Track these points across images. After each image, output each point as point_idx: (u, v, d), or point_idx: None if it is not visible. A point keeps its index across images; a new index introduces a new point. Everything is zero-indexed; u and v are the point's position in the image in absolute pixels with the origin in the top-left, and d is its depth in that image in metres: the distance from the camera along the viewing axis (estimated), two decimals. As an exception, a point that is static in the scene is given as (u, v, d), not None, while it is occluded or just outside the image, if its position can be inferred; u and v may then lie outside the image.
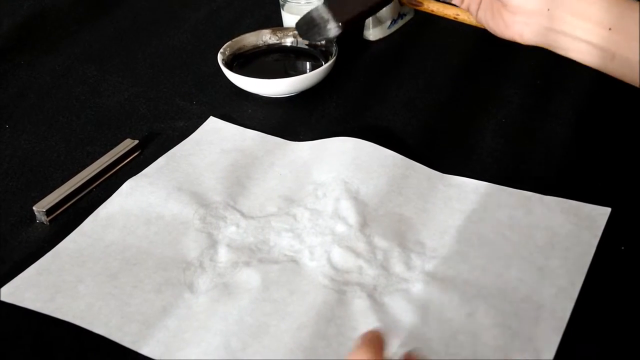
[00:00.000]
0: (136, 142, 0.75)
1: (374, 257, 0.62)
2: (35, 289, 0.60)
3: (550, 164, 0.71)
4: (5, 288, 0.60)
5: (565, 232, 0.63)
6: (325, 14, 0.72)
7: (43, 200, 0.68)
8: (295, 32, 0.76)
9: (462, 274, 0.60)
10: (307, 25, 0.73)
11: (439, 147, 0.74)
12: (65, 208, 0.68)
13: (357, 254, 0.62)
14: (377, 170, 0.70)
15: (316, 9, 0.73)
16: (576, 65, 0.61)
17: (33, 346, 0.55)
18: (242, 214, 0.67)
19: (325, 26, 0.72)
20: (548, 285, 0.58)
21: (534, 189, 0.67)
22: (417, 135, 0.76)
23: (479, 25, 0.67)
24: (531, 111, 0.79)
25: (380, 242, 0.63)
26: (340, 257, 0.61)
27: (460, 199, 0.67)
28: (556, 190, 0.67)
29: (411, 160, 0.71)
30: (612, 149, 0.73)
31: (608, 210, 0.64)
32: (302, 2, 0.88)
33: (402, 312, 0.57)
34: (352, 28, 0.79)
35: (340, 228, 0.64)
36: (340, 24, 0.71)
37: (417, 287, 0.59)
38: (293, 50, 0.87)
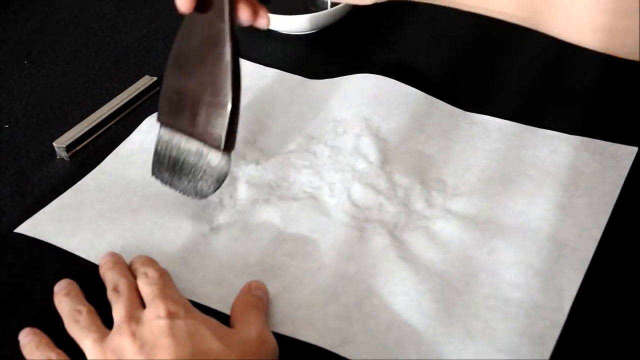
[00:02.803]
0: (154, 79, 0.74)
1: (394, 194, 0.61)
2: (57, 224, 0.60)
3: (576, 103, 0.70)
4: (27, 222, 0.60)
5: (590, 171, 0.62)
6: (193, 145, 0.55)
7: (63, 136, 0.68)
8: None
9: (483, 212, 0.59)
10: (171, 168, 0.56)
11: (463, 85, 0.73)
12: (85, 144, 0.68)
13: (378, 191, 0.61)
14: (398, 107, 0.68)
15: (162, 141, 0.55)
16: None
17: (55, 280, 0.56)
18: (262, 152, 0.66)
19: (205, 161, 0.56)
20: (571, 225, 0.57)
21: (559, 129, 0.66)
22: (440, 73, 0.74)
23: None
24: (558, 50, 0.76)
25: (401, 179, 0.62)
26: (361, 194, 0.61)
27: (483, 138, 0.66)
28: (582, 130, 0.65)
29: (434, 98, 0.70)
30: (639, 87, 0.71)
31: (634, 149, 0.63)
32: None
33: (423, 249, 0.57)
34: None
35: (361, 165, 0.63)
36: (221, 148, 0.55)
37: (438, 225, 0.58)
38: (313, -14, 0.85)
